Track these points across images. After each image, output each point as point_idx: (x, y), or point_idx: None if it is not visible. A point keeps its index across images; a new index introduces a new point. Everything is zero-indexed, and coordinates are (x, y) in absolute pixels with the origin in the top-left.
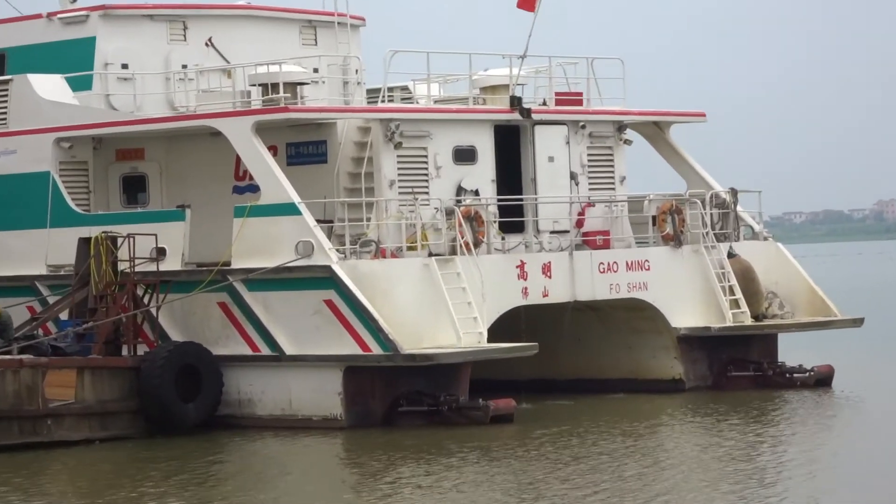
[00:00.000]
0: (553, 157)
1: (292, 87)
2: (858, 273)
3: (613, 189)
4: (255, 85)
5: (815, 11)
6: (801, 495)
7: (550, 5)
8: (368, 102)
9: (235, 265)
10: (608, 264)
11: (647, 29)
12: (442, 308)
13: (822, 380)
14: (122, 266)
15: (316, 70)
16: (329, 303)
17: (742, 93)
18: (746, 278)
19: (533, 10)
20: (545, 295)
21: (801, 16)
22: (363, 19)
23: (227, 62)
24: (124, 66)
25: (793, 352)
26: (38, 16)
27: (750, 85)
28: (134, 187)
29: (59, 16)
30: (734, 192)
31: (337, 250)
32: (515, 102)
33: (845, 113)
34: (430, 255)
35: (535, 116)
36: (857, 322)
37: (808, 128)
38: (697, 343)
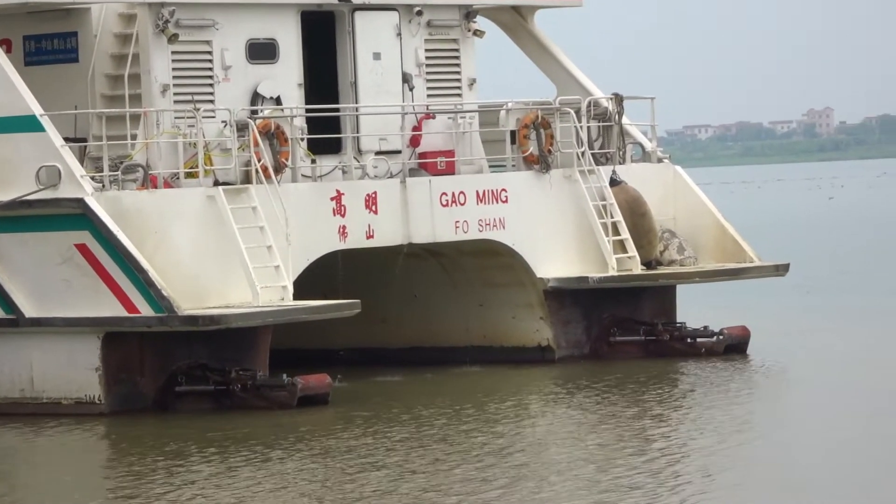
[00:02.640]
0: (379, 53)
1: None
2: (781, 206)
3: (460, 96)
4: None
5: None
6: None
7: None
8: None
9: None
10: (453, 195)
11: None
12: (233, 254)
13: (734, 345)
14: None
15: None
16: (82, 248)
17: None
18: (635, 213)
19: None
20: (370, 236)
21: None
22: None
23: None
24: None
25: (696, 309)
26: None
27: None
28: None
29: None
30: (619, 100)
31: (92, 178)
32: None
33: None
34: (217, 183)
35: (355, 0)
36: (781, 269)
37: (719, 16)
38: (571, 299)
